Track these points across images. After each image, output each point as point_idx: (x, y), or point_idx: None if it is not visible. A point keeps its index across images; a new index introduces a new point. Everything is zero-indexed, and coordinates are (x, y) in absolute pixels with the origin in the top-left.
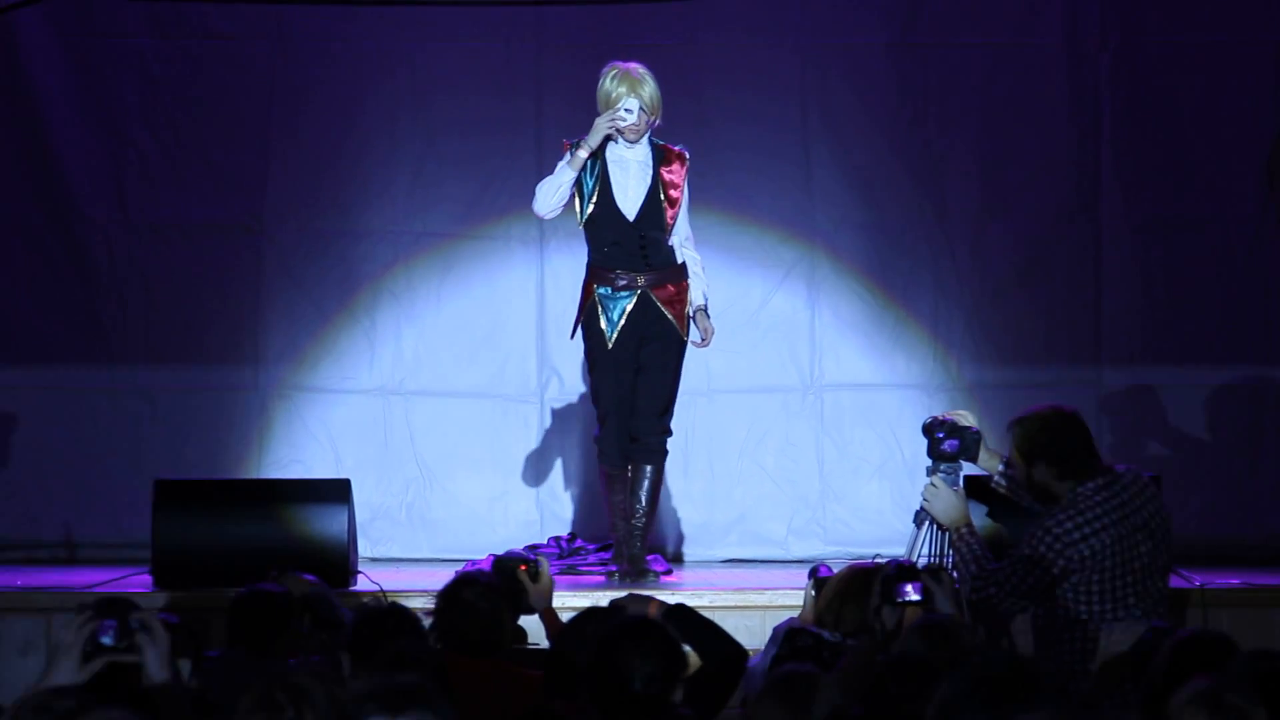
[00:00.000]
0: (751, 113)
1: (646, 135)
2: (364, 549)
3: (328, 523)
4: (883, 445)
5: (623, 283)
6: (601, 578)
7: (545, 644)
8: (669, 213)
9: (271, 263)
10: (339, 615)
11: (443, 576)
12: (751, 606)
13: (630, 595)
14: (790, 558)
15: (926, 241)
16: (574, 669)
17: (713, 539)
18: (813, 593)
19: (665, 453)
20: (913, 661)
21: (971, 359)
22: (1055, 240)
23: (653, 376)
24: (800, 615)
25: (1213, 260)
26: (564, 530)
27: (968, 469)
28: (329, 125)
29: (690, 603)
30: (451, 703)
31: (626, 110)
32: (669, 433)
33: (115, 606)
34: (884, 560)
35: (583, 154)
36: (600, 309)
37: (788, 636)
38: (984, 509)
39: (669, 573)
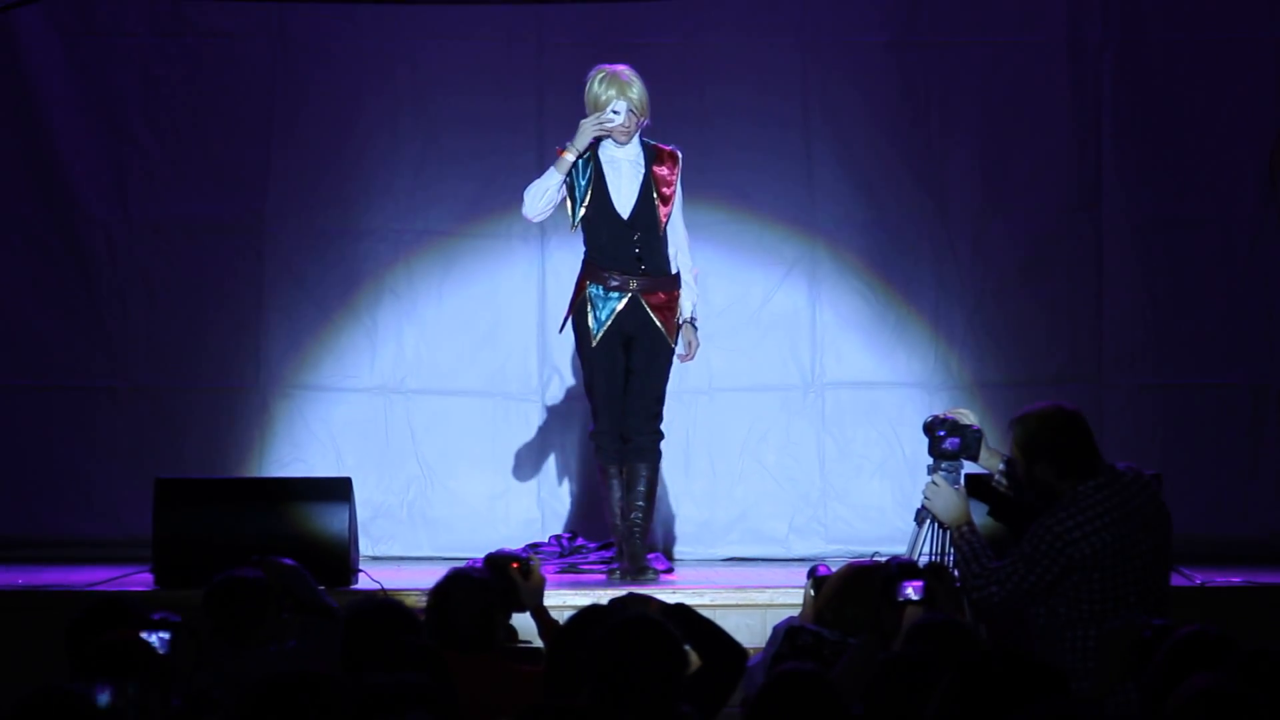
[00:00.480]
0: (753, 111)
1: (637, 135)
2: (365, 547)
3: (329, 521)
4: (884, 443)
5: (615, 283)
6: (602, 576)
7: (538, 642)
8: (662, 211)
9: (273, 261)
10: (319, 599)
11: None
12: (752, 605)
13: (630, 594)
14: (791, 556)
15: (928, 239)
16: (574, 668)
17: (714, 537)
18: (812, 592)
19: (659, 452)
20: (913, 661)
21: (973, 357)
22: (1057, 238)
23: (641, 379)
24: (800, 614)
25: (1214, 258)
26: (565, 529)
27: (969, 467)
28: (330, 123)
29: (691, 601)
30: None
31: (614, 112)
32: (660, 434)
33: None
34: (884, 558)
35: (570, 157)
36: (590, 306)
37: (788, 635)
38: (985, 507)
39: (670, 571)
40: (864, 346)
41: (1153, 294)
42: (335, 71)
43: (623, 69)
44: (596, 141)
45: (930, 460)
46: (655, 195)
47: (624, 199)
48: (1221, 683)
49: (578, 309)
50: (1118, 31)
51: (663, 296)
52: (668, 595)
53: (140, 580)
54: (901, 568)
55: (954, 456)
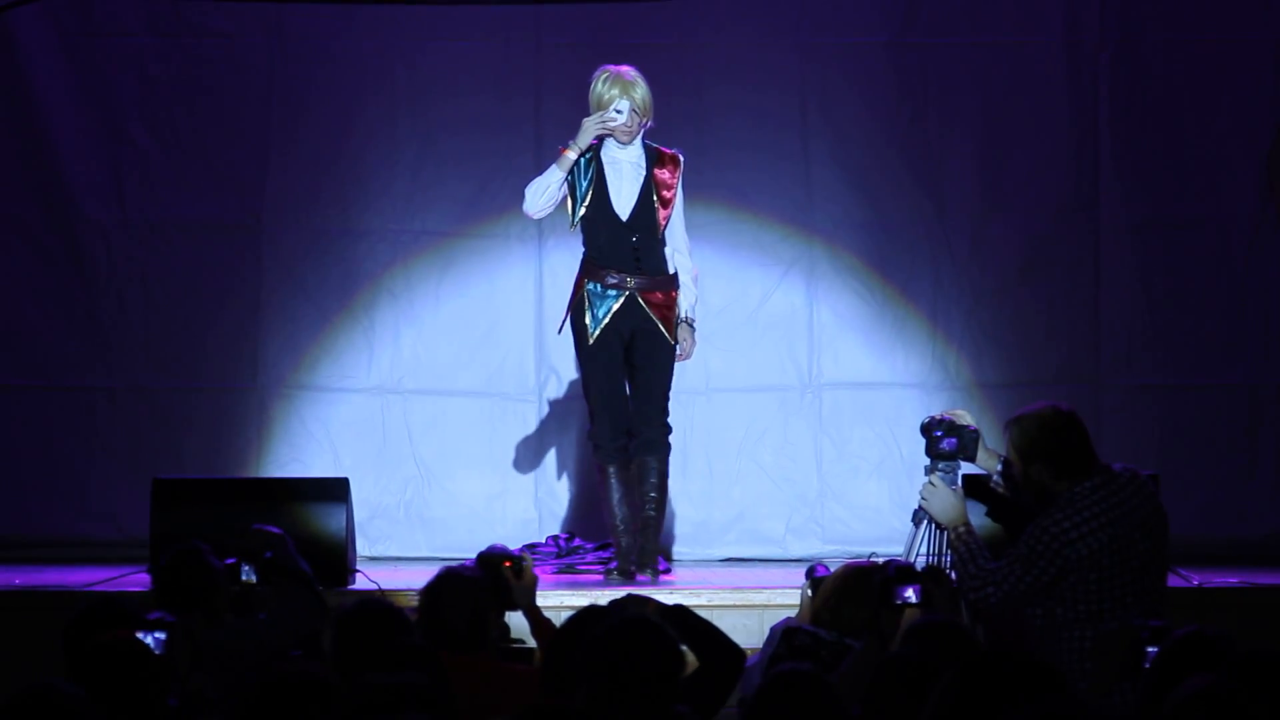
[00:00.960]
0: (750, 111)
1: (639, 136)
2: (362, 548)
3: (326, 521)
4: (881, 444)
5: (613, 281)
6: (599, 577)
7: (530, 641)
8: (661, 213)
9: (270, 262)
10: (297, 565)
11: None
12: (749, 605)
13: (629, 595)
14: (788, 557)
15: (926, 240)
16: (571, 669)
17: (711, 538)
18: (809, 592)
19: (668, 445)
20: (910, 662)
21: (970, 357)
22: (1054, 238)
23: (646, 375)
24: (798, 615)
25: (1212, 258)
26: (562, 529)
27: (966, 468)
28: (328, 124)
29: (688, 602)
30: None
31: (616, 111)
32: (669, 427)
33: None
34: (881, 559)
35: (571, 155)
36: (587, 304)
37: (785, 635)
38: (982, 508)
39: (667, 571)
40: (862, 347)
41: (1150, 294)
42: (333, 72)
43: (627, 70)
44: (599, 142)
45: (927, 461)
46: (655, 198)
47: (624, 200)
48: (1219, 683)
49: (575, 307)
50: (1115, 32)
51: (660, 296)
52: (665, 596)
53: (137, 580)
54: (899, 571)
55: (951, 457)
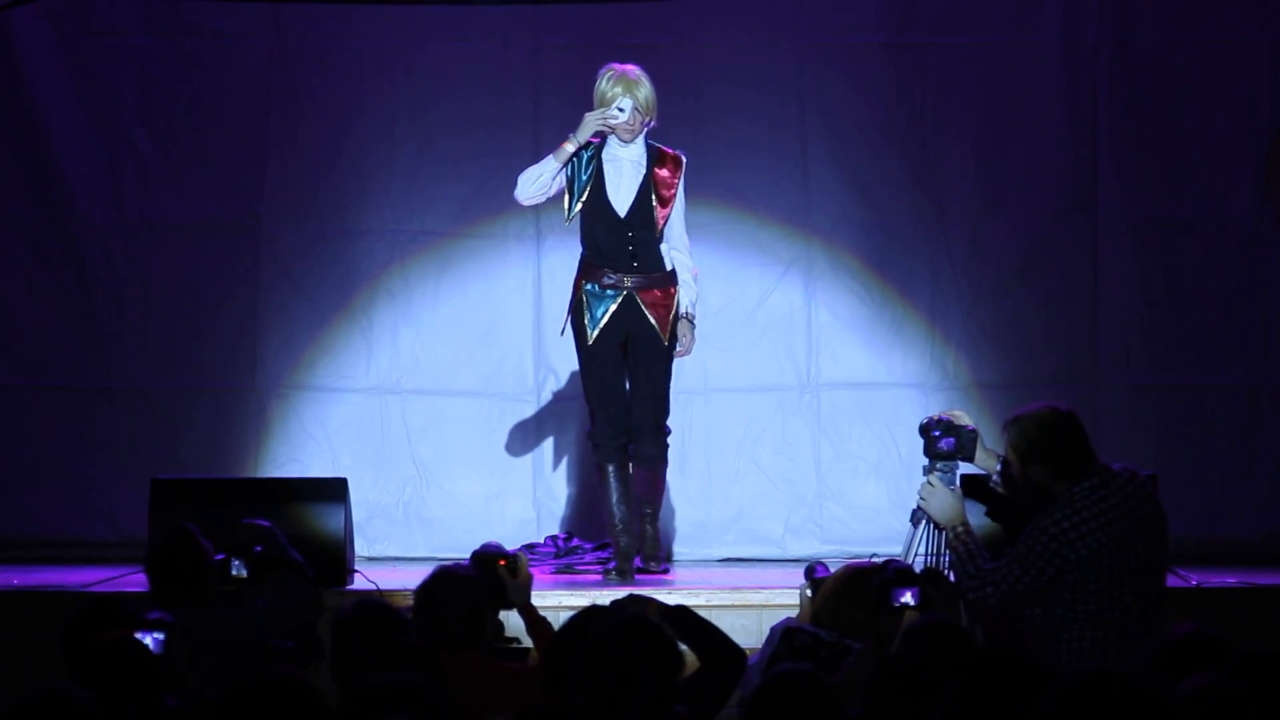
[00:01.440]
0: (749, 111)
1: (642, 135)
2: (361, 548)
3: (325, 521)
4: (879, 444)
5: (609, 281)
6: (598, 577)
7: (526, 640)
8: (659, 213)
9: (269, 262)
10: (289, 555)
11: None
12: (748, 605)
13: (630, 596)
14: (787, 557)
15: (924, 240)
16: (571, 669)
17: (709, 538)
18: (808, 592)
19: (665, 460)
20: (909, 662)
21: (969, 357)
22: (1053, 238)
23: (642, 381)
24: (797, 615)
25: (1210, 259)
26: (560, 529)
27: (965, 468)
28: (326, 124)
29: (687, 602)
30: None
31: (619, 109)
32: (666, 441)
33: None
34: (881, 559)
35: (569, 147)
36: (585, 305)
37: (785, 636)
38: (981, 508)
39: (666, 571)
40: (860, 347)
41: (1148, 294)
42: (332, 73)
43: (632, 69)
44: (602, 139)
45: (926, 461)
46: (654, 197)
47: (622, 197)
48: (1219, 683)
49: (575, 309)
50: (1114, 32)
51: (658, 294)
52: (663, 596)
53: (136, 581)
54: (898, 573)
55: (949, 457)
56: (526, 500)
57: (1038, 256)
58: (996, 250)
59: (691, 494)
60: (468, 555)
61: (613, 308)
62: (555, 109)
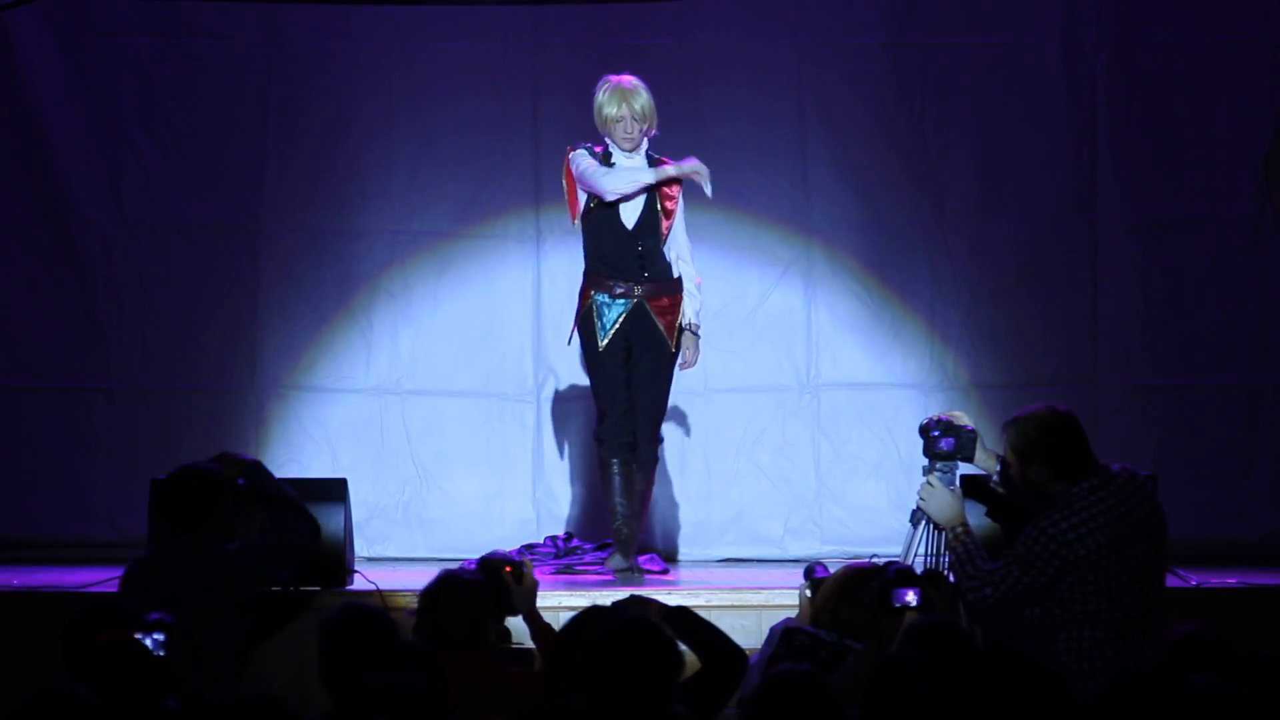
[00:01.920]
0: (748, 112)
1: (643, 145)
2: (360, 548)
3: (324, 522)
4: (879, 444)
5: (620, 290)
6: (597, 577)
7: (529, 644)
8: (664, 224)
9: (268, 262)
10: (281, 490)
11: None
12: (748, 606)
13: (631, 596)
14: (787, 557)
15: (923, 240)
16: (572, 669)
17: (709, 538)
18: (808, 593)
19: (656, 461)
20: (907, 663)
21: (968, 358)
22: (1052, 239)
23: (645, 388)
24: (797, 615)
25: (1209, 259)
26: (560, 529)
27: (964, 468)
28: (326, 125)
29: (686, 602)
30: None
31: (709, 185)
32: (660, 448)
33: None
34: (881, 560)
35: (670, 171)
36: (596, 313)
37: (784, 636)
38: (981, 508)
39: (665, 572)
40: (859, 347)
41: (1148, 295)
42: (331, 73)
43: (628, 79)
44: (606, 151)
45: (925, 461)
46: (659, 208)
47: (629, 208)
48: (1219, 683)
49: (583, 318)
50: (1113, 33)
51: (666, 301)
52: (663, 596)
53: None
54: (898, 574)
55: (949, 457)
56: (526, 500)
57: (1037, 257)
58: (996, 250)
59: (691, 494)
60: (468, 556)
61: (623, 314)
62: (555, 109)
